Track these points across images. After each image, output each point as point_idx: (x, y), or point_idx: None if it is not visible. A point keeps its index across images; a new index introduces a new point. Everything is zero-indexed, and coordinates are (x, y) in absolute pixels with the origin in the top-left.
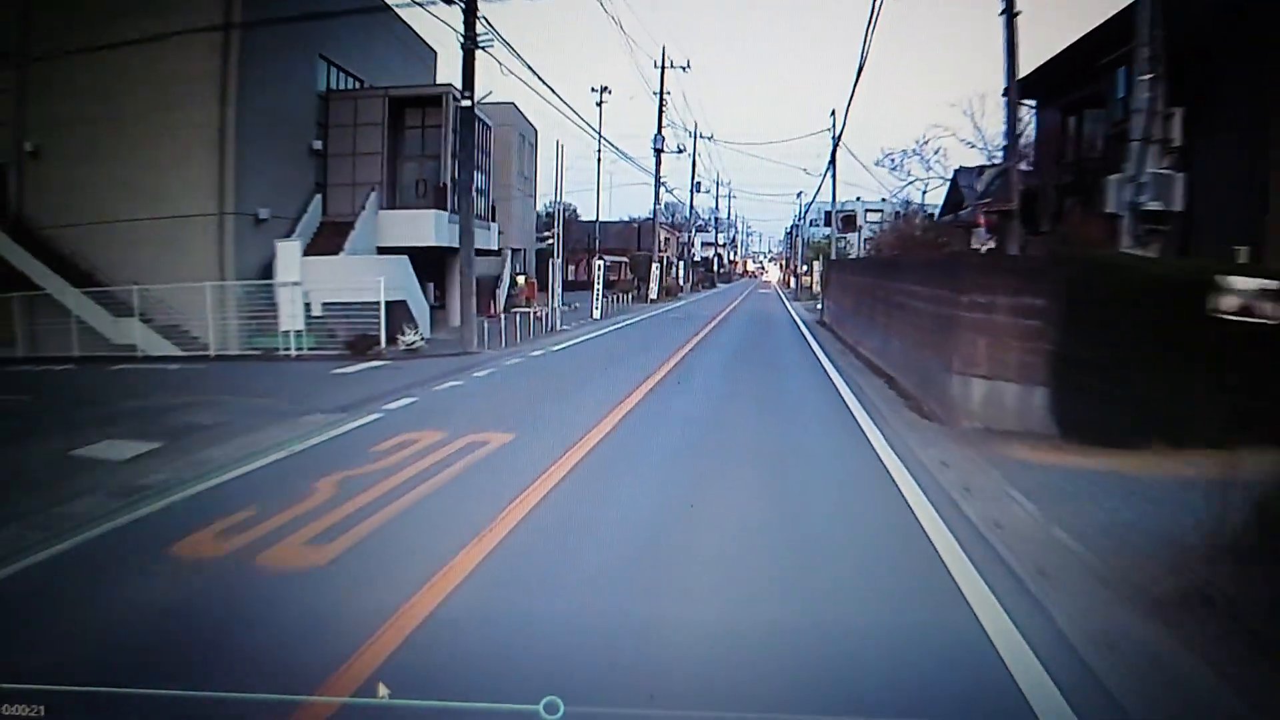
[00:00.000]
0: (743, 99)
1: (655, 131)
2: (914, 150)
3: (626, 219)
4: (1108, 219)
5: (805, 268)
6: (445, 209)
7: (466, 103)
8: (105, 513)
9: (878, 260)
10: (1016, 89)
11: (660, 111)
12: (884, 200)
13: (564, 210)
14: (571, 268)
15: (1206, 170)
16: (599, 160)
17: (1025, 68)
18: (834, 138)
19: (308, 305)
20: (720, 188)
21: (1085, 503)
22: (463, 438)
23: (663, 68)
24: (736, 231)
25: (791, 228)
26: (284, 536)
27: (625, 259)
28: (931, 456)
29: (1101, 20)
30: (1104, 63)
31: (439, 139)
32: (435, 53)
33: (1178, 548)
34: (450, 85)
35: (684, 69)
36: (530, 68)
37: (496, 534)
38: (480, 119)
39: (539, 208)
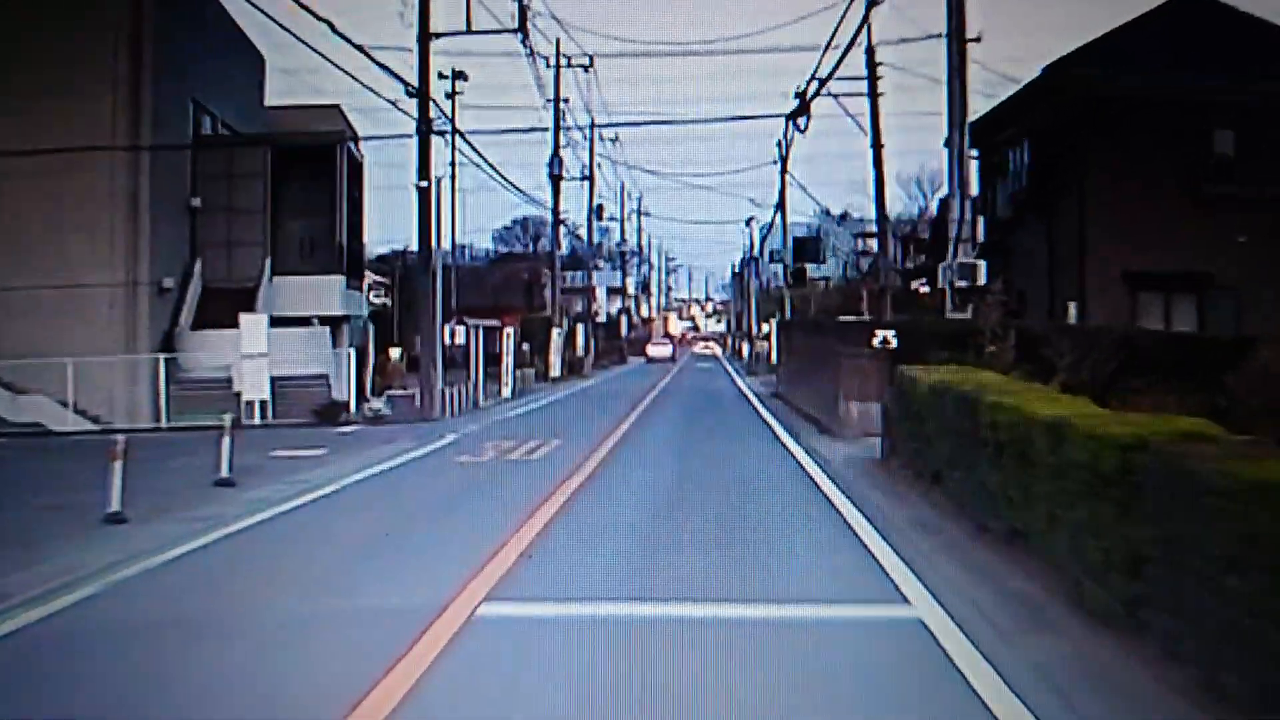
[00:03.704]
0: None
1: (551, 153)
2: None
3: (488, 253)
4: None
5: (763, 328)
6: (341, 273)
7: (424, 184)
8: (375, 462)
9: (812, 323)
10: (884, 215)
11: (556, 126)
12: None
13: (403, 251)
14: (417, 337)
15: (1058, 245)
16: (454, 174)
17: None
18: (782, 149)
19: (274, 378)
20: (630, 199)
21: (871, 448)
22: (528, 443)
23: (557, 64)
24: (653, 268)
25: (742, 265)
26: (505, 456)
27: (503, 322)
28: (817, 444)
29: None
30: (1002, 138)
31: (331, 194)
32: (263, 58)
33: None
34: (342, 131)
35: (585, 69)
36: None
37: (600, 453)
38: (350, 152)
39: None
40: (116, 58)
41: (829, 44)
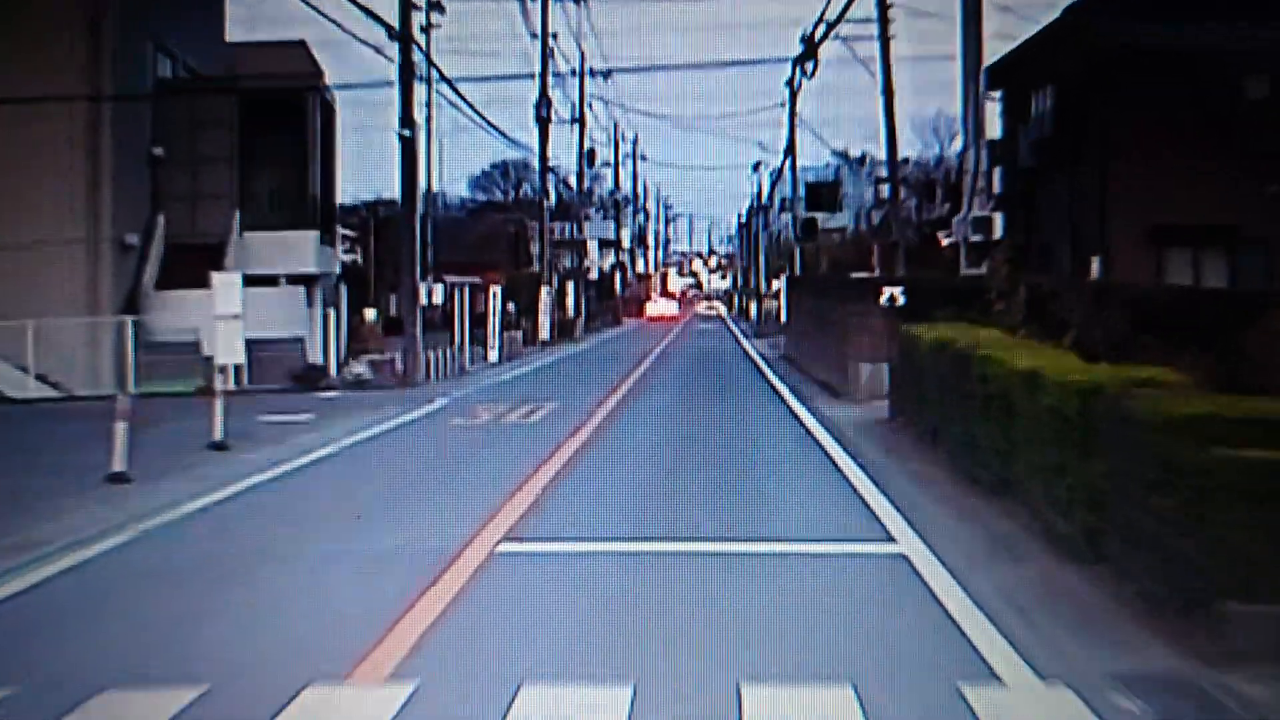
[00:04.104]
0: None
1: (538, 94)
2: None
3: (464, 201)
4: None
5: (773, 285)
6: (316, 228)
7: (407, 133)
8: (367, 427)
9: (822, 281)
10: (895, 167)
11: (544, 65)
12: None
13: (374, 202)
14: (393, 296)
15: (1082, 197)
16: (430, 115)
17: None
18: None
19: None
20: (624, 142)
21: (879, 410)
22: (522, 406)
23: None
24: (649, 217)
25: (749, 214)
26: (500, 419)
27: (485, 280)
28: (821, 407)
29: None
30: (1025, 81)
31: (303, 142)
32: None
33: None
34: (316, 76)
35: (577, 1)
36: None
37: (599, 416)
38: (323, 98)
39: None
40: None
41: None
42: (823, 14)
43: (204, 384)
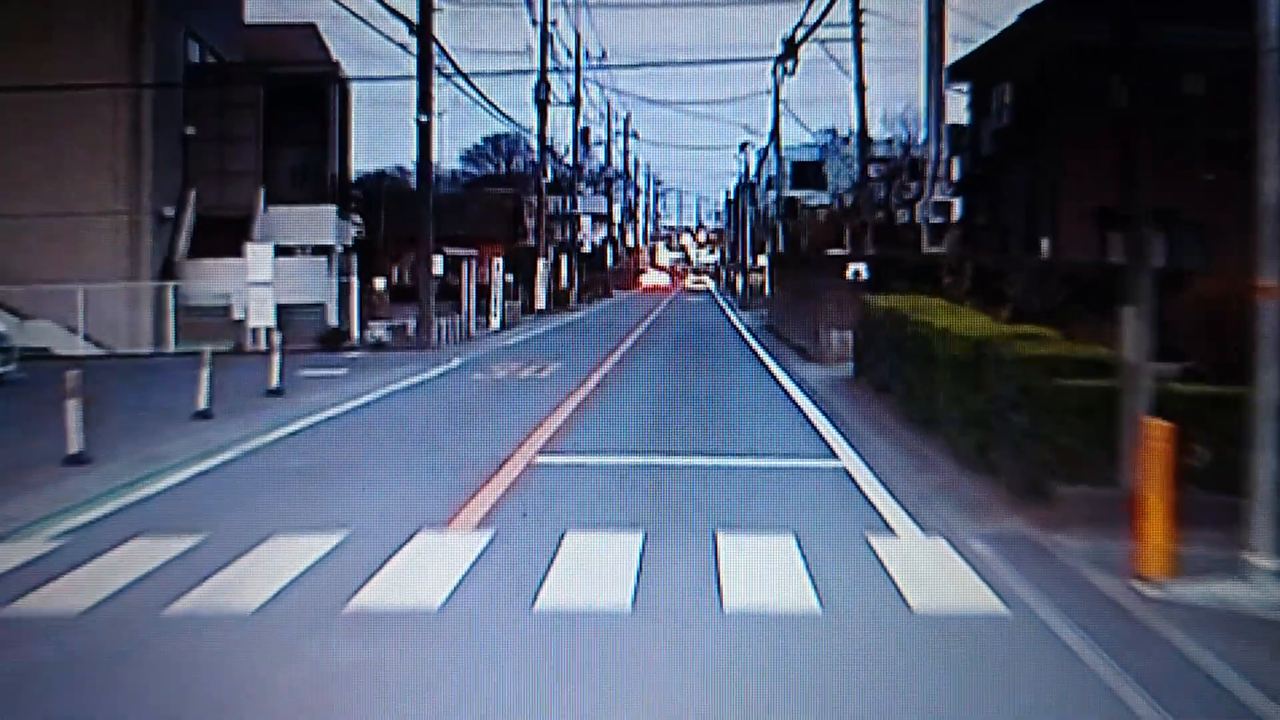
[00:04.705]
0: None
1: (538, 78)
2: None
3: (455, 174)
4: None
5: (759, 260)
6: (335, 203)
7: (424, 119)
8: (397, 380)
9: (801, 257)
10: (866, 153)
11: (544, 49)
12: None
13: (378, 175)
14: (395, 267)
15: (1038, 184)
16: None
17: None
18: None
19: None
20: (616, 119)
21: (845, 371)
22: (532, 365)
23: None
24: (639, 192)
25: (736, 192)
26: (515, 375)
27: (482, 252)
28: (795, 367)
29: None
30: (988, 76)
31: (322, 124)
32: None
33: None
34: (336, 66)
35: None
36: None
37: (602, 371)
38: (341, 83)
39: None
40: None
41: None
42: (802, 18)
43: (236, 344)
